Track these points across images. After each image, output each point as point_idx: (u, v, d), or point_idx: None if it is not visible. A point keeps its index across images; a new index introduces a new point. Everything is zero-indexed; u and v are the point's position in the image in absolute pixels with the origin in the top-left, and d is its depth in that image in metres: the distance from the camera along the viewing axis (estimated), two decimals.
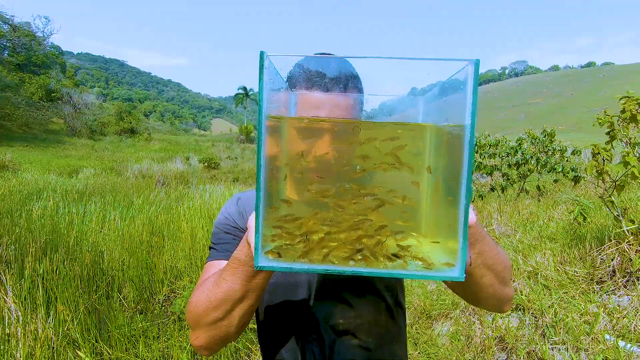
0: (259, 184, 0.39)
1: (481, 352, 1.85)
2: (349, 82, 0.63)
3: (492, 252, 0.60)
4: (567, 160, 5.98)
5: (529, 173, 5.77)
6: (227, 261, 0.60)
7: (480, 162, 6.18)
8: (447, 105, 0.44)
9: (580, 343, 1.60)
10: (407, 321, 2.55)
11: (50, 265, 3.29)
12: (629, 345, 1.50)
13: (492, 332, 1.92)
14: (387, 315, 0.76)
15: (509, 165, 6.00)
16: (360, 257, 0.38)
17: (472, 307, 2.30)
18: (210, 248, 0.78)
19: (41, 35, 39.33)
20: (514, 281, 2.26)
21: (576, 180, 5.03)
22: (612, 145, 2.05)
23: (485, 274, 0.60)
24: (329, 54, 0.65)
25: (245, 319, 0.62)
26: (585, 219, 2.60)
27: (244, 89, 61.21)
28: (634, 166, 1.79)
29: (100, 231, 4.70)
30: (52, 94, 31.55)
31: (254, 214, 0.42)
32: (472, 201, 5.85)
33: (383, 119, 0.54)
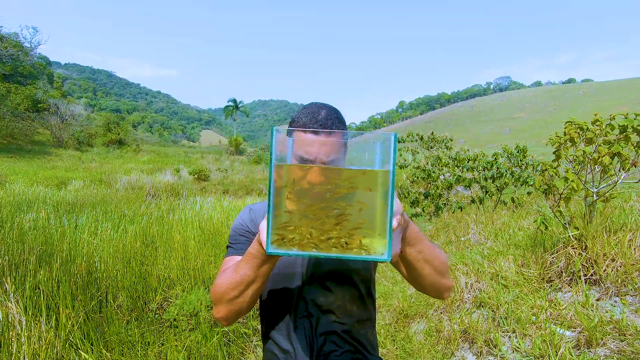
0: (269, 201, 0.66)
1: (448, 344, 2.11)
2: (333, 125, 0.91)
3: (430, 251, 0.87)
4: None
5: (505, 186, 6.15)
6: (241, 256, 0.88)
7: (460, 176, 6.54)
8: (384, 153, 0.73)
9: (526, 330, 1.87)
10: (387, 321, 2.79)
11: (49, 273, 3.40)
12: (562, 330, 1.78)
13: (458, 326, 2.19)
14: (360, 301, 1.01)
15: (486, 179, 6.38)
16: (331, 247, 0.65)
17: (443, 306, 2.57)
18: (227, 247, 1.04)
19: (29, 45, 39.01)
20: (478, 282, 2.54)
21: (546, 192, 5.40)
22: (559, 163, 2.37)
23: (425, 267, 0.86)
24: (321, 104, 0.94)
25: (255, 297, 0.87)
26: (547, 227, 2.91)
27: (234, 101, 61.40)
28: (572, 181, 2.11)
29: (94, 242, 4.79)
30: (39, 105, 31.16)
31: (264, 220, 0.69)
32: (452, 212, 6.16)
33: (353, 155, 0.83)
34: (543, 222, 2.93)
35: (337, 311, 0.99)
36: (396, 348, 2.36)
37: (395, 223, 0.69)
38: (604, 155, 2.04)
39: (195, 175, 18.14)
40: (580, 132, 2.24)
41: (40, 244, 4.16)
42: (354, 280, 1.01)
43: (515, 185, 6.39)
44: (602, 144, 2.11)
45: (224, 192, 14.43)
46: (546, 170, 2.33)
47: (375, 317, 1.08)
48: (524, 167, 6.55)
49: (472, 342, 2.05)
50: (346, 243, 0.67)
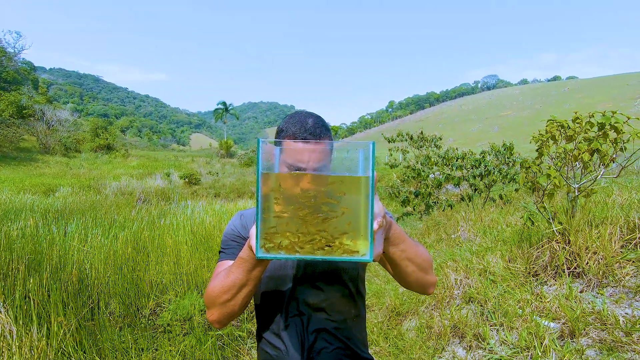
0: (258, 208, 0.70)
1: (439, 339, 2.16)
2: (321, 132, 0.95)
3: (413, 249, 0.91)
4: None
5: (493, 183, 6.27)
6: (232, 261, 0.91)
7: (449, 174, 6.64)
8: (365, 160, 0.77)
9: (513, 323, 1.93)
10: (380, 319, 2.84)
11: (39, 281, 3.36)
12: (547, 322, 1.84)
13: (448, 321, 2.24)
14: (349, 299, 1.05)
15: (474, 177, 6.49)
16: (316, 249, 0.69)
17: (434, 303, 2.62)
18: (220, 252, 1.08)
19: (12, 51, 38.34)
20: (467, 278, 2.60)
21: (533, 189, 5.53)
22: (541, 160, 2.45)
23: (408, 264, 0.91)
24: (308, 113, 0.99)
25: (246, 300, 0.91)
26: (533, 223, 2.99)
27: (224, 103, 61.04)
28: (554, 177, 2.18)
29: (84, 249, 4.74)
30: (24, 111, 30.59)
31: (254, 226, 0.72)
32: (442, 210, 6.25)
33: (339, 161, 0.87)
34: (529, 218, 3.00)
35: (328, 309, 1.02)
36: (389, 345, 2.40)
37: (376, 225, 0.73)
38: (583, 152, 2.12)
39: (186, 179, 18.01)
40: (562, 130, 2.32)
41: (29, 253, 4.10)
42: (343, 279, 1.05)
43: (503, 183, 6.51)
44: (582, 141, 2.18)
45: (215, 196, 14.35)
46: (529, 167, 2.41)
47: (365, 314, 1.12)
48: (511, 165, 6.69)
49: (461, 336, 2.10)
50: (329, 245, 0.71)
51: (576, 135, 2.23)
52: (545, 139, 2.35)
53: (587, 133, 2.24)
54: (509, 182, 6.42)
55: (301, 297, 1.02)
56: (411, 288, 0.99)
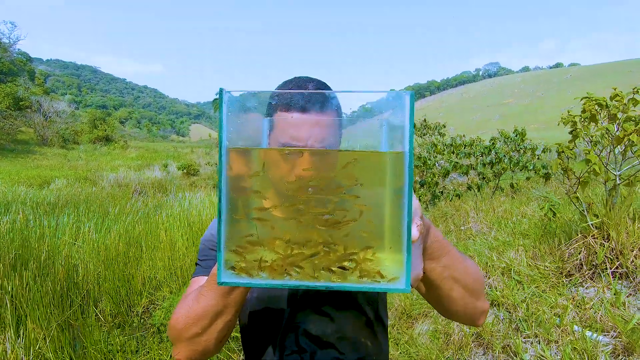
0: (221, 203, 0.41)
1: (459, 349, 1.89)
2: (326, 102, 0.65)
3: (460, 265, 0.62)
4: (538, 158, 6.22)
5: (502, 171, 5.98)
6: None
7: (457, 162, 6.35)
8: (396, 132, 0.48)
9: (550, 335, 1.67)
10: (389, 322, 2.58)
11: (19, 281, 3.14)
12: (595, 334, 1.57)
13: (469, 329, 1.98)
14: (367, 330, 0.78)
15: (484, 165, 6.19)
16: (319, 271, 0.41)
17: None
18: (196, 264, 0.80)
19: (7, 41, 37.79)
20: (488, 277, 2.33)
21: (547, 177, 5.25)
22: (575, 144, 2.15)
23: (454, 287, 0.62)
24: (307, 77, 0.69)
25: (223, 333, 0.64)
26: (554, 214, 2.71)
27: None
28: (594, 164, 1.89)
29: (74, 244, 4.54)
30: (21, 102, 30.23)
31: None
32: (449, 200, 5.99)
33: (364, 120, 0.58)
34: (551, 209, 2.72)
35: (338, 345, 0.75)
36: (400, 353, 2.15)
37: (415, 232, 0.45)
38: (630, 133, 1.83)
39: (184, 170, 17.75)
40: (600, 109, 2.02)
41: (16, 248, 3.90)
42: (359, 302, 0.77)
43: (512, 171, 6.22)
44: (625, 121, 1.89)
45: (214, 187, 14.11)
46: (562, 152, 2.11)
47: (388, 348, 0.84)
48: (522, 152, 6.37)
49: (487, 347, 1.84)
50: (343, 267, 0.43)
51: (618, 114, 1.94)
52: (582, 119, 2.05)
53: (628, 112, 1.94)
54: (520, 170, 6.12)
55: (302, 326, 0.75)
56: (454, 318, 0.71)
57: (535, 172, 5.68)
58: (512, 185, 5.56)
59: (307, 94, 0.64)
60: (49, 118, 30.81)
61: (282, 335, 0.74)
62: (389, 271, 0.42)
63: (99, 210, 6.82)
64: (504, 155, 6.10)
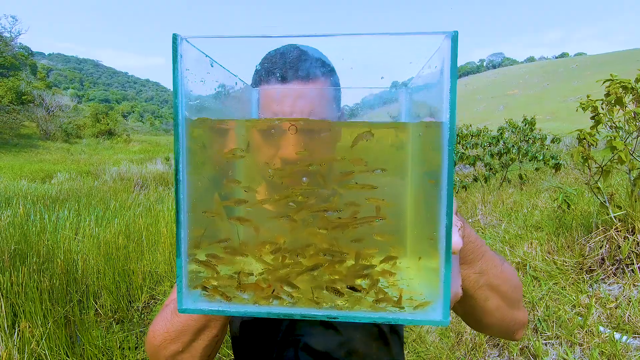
0: (179, 196, 0.29)
1: (472, 350, 1.78)
2: (316, 70, 0.53)
3: (497, 270, 0.52)
4: (547, 149, 6.06)
5: (510, 162, 5.83)
6: None
7: (463, 153, 6.20)
8: (427, 98, 0.35)
9: (574, 337, 1.55)
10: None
11: (15, 277, 3.08)
12: (624, 337, 1.45)
13: None
14: (380, 342, 0.67)
15: (491, 155, 6.04)
16: (321, 292, 0.29)
17: None
18: None
19: (8, 35, 37.67)
20: None
21: (557, 167, 5.10)
22: (597, 130, 2.01)
23: (490, 296, 0.52)
24: (295, 46, 0.56)
25: (208, 351, 0.54)
26: (569, 206, 2.58)
27: (223, 86, 60.51)
28: (621, 150, 1.75)
29: (75, 238, 4.49)
30: (23, 97, 30.27)
31: None
32: (456, 193, 5.85)
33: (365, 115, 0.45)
34: (565, 200, 2.59)
35: None
36: (408, 352, 2.04)
37: (458, 238, 0.33)
38: None
39: None
40: (624, 92, 1.87)
41: (15, 243, 3.87)
42: None
43: (521, 162, 6.06)
44: None
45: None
46: (584, 139, 1.97)
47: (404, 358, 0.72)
48: (531, 142, 6.20)
49: (502, 348, 1.72)
50: (354, 288, 0.31)
51: None
52: (607, 102, 1.90)
53: None
54: (530, 161, 5.97)
55: (303, 339, 0.63)
56: (488, 331, 0.60)
57: (545, 163, 5.52)
58: (520, 176, 5.42)
59: (290, 60, 0.51)
60: (51, 112, 30.86)
61: (279, 350, 0.63)
62: (418, 293, 0.30)
63: (99, 204, 6.78)
64: (513, 145, 5.94)
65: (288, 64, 0.51)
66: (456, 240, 0.32)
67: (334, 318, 0.29)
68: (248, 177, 0.34)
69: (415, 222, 0.33)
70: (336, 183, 0.32)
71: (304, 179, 0.32)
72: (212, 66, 0.33)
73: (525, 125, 6.28)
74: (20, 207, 5.54)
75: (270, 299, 0.30)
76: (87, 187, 9.34)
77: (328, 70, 0.55)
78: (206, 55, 0.32)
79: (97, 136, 31.35)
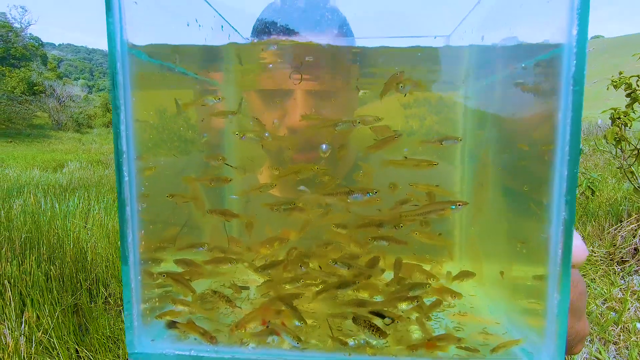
0: (121, 178, 0.19)
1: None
2: (326, 20, 0.42)
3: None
4: None
5: None
6: None
7: None
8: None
9: (608, 334, 1.42)
10: None
11: (23, 266, 3.09)
12: None
13: None
14: None
15: None
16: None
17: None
18: None
19: (18, 26, 37.98)
20: None
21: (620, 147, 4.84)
22: (632, 109, 1.84)
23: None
24: None
25: None
26: (593, 192, 2.43)
27: None
28: None
29: (85, 226, 4.51)
30: (35, 87, 30.63)
31: None
32: None
33: None
34: (589, 187, 2.43)
35: None
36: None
37: (581, 245, 0.26)
38: None
39: None
40: None
41: (26, 231, 3.90)
42: None
43: None
44: None
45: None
46: (618, 118, 1.80)
47: None
48: None
49: None
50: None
51: None
52: None
53: None
54: None
55: None
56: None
57: (607, 142, 5.26)
58: None
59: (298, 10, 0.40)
60: (62, 103, 31.19)
61: None
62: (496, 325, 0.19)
63: (109, 193, 6.80)
64: None
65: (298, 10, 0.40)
66: (578, 245, 0.20)
67: None
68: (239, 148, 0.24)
69: (495, 218, 0.22)
70: (366, 158, 0.21)
71: (324, 146, 0.21)
72: None
73: None
74: (32, 196, 5.59)
75: (267, 334, 0.19)
76: (97, 176, 9.39)
77: (345, 24, 0.44)
78: None
79: (107, 126, 31.69)
